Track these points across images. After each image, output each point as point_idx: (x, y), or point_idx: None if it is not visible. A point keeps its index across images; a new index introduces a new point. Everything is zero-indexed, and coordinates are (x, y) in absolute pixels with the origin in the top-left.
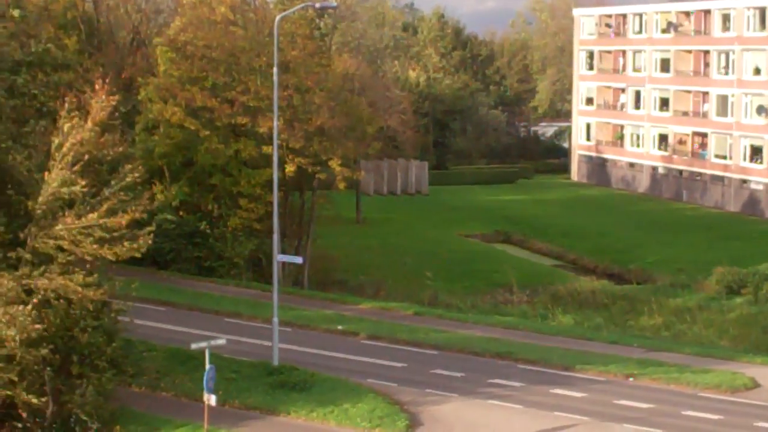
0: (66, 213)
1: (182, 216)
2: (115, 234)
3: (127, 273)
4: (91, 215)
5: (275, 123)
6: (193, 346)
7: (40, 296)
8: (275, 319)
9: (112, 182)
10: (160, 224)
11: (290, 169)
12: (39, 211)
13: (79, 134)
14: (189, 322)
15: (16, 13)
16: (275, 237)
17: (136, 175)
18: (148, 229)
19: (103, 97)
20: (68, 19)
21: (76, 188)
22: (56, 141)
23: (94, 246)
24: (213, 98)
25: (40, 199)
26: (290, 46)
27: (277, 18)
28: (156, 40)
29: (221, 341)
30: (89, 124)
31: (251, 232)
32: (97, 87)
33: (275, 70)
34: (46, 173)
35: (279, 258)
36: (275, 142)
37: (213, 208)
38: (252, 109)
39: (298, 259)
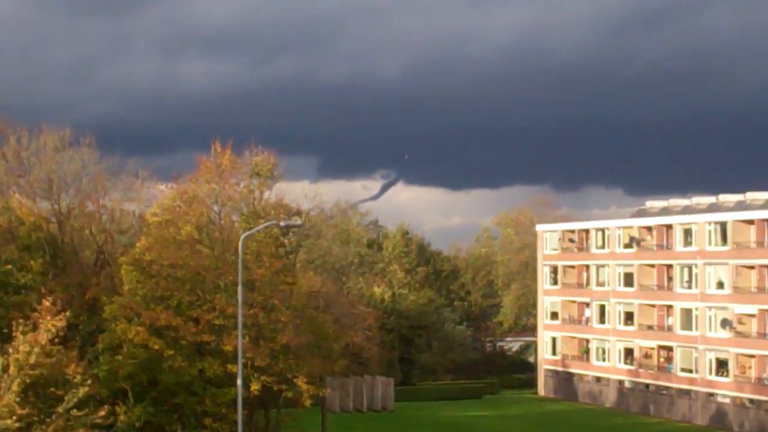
0: None
1: None
2: None
3: None
4: None
5: (240, 341)
6: None
7: None
8: None
9: (66, 399)
10: None
11: (255, 387)
12: None
13: (28, 355)
14: None
15: None
16: None
17: (87, 389)
18: None
19: (48, 318)
20: (33, 240)
21: (9, 422)
22: (4, 363)
23: None
24: (178, 317)
25: None
26: (256, 264)
27: (242, 237)
28: (121, 259)
29: None
30: (37, 346)
31: None
32: (44, 308)
33: (240, 288)
34: None
35: None
36: (240, 360)
37: (177, 428)
38: (217, 328)
39: None
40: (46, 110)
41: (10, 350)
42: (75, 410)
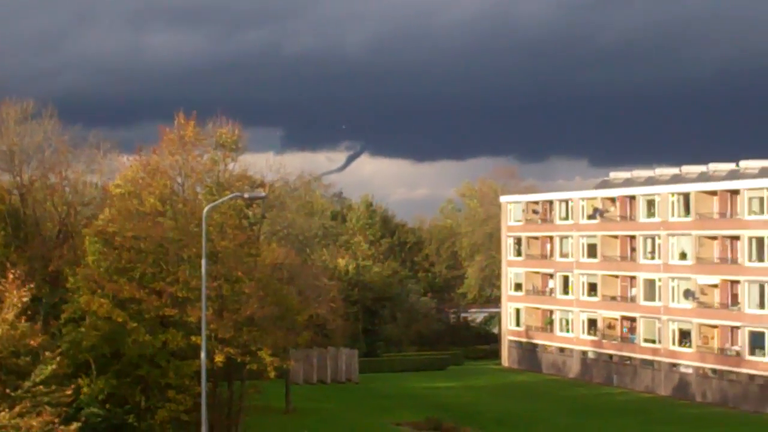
0: None
1: (109, 409)
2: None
3: None
4: (2, 414)
5: (203, 313)
6: None
7: None
8: None
9: (33, 374)
10: (87, 418)
11: (219, 359)
12: None
13: None
14: None
15: None
16: (204, 429)
17: (53, 366)
18: (75, 424)
19: (15, 292)
20: None
21: None
22: None
23: None
24: (141, 289)
25: None
26: (219, 236)
27: (206, 209)
28: (84, 230)
29: None
30: (1, 319)
31: (179, 425)
32: (9, 280)
33: (204, 260)
34: None
35: None
36: (204, 332)
37: (141, 400)
38: (181, 300)
39: None
40: (8, 83)
41: None
42: (41, 386)
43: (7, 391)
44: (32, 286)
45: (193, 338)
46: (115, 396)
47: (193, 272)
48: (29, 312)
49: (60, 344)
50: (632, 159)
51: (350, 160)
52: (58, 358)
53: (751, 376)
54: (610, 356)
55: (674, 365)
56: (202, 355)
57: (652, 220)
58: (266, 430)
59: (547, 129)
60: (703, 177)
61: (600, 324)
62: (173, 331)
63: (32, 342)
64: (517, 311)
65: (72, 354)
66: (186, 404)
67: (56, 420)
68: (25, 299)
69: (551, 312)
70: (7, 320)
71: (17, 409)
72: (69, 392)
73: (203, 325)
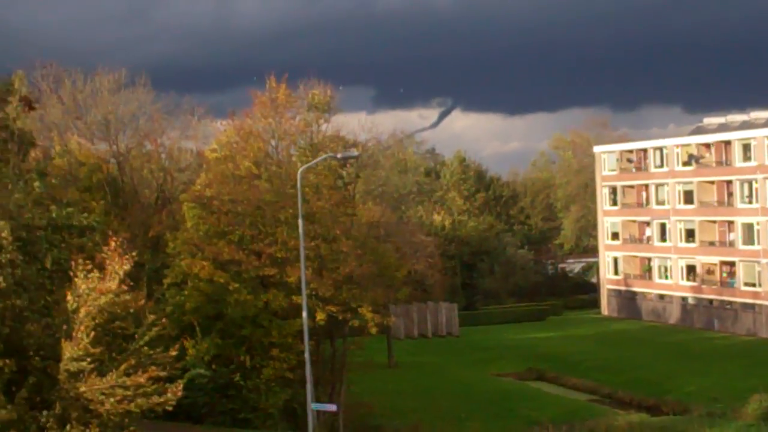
0: (87, 375)
1: (215, 369)
2: (140, 390)
3: (161, 428)
4: (109, 376)
5: (303, 273)
6: None
7: None
8: None
9: (137, 335)
10: (193, 378)
11: (320, 317)
12: (61, 376)
13: (96, 300)
14: None
15: (37, 184)
16: (309, 386)
17: (157, 327)
18: (179, 382)
19: (117, 259)
20: (93, 182)
21: (84, 363)
22: (73, 305)
23: (119, 404)
24: (240, 251)
25: (61, 365)
26: (315, 196)
27: (301, 170)
28: (182, 196)
29: None
30: (105, 288)
31: (285, 382)
32: (111, 248)
33: (300, 221)
34: (63, 341)
35: (313, 407)
36: (304, 291)
37: (246, 359)
38: (280, 260)
39: (333, 407)
40: (101, 52)
41: (79, 292)
42: (145, 348)
43: (114, 354)
44: (134, 253)
45: (294, 298)
46: (220, 356)
47: (290, 233)
48: (132, 278)
49: (164, 307)
50: (726, 104)
51: (442, 116)
52: (163, 320)
53: None
54: (710, 301)
55: None
56: (304, 314)
57: (748, 164)
58: (370, 385)
59: (639, 77)
60: None
61: (699, 270)
62: (274, 291)
63: (136, 306)
64: (615, 260)
65: (176, 317)
66: (290, 362)
67: (162, 375)
68: (126, 267)
69: (649, 260)
70: (111, 289)
71: (123, 367)
72: (174, 353)
73: (303, 285)
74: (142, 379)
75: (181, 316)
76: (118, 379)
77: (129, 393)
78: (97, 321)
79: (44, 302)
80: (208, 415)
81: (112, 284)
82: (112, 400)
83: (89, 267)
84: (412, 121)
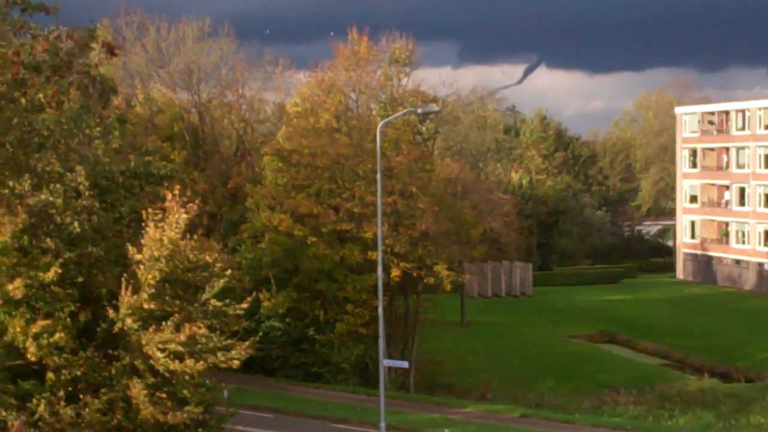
0: (152, 328)
1: (289, 323)
2: (199, 346)
3: (235, 380)
4: (167, 330)
5: (379, 228)
6: None
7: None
8: (382, 424)
9: (206, 289)
10: (268, 331)
11: (395, 273)
12: (127, 328)
13: (157, 251)
14: (297, 428)
15: (116, 132)
16: (381, 342)
17: (225, 279)
18: (252, 339)
19: (175, 209)
20: (174, 131)
21: (140, 315)
22: (137, 255)
23: (177, 360)
24: (318, 205)
25: (120, 316)
26: (394, 151)
27: (380, 124)
28: (262, 149)
29: None
30: (166, 238)
31: (357, 338)
32: (168, 202)
33: (378, 176)
34: (124, 292)
35: (385, 363)
36: (380, 247)
37: (319, 313)
38: (357, 215)
39: (404, 364)
40: (185, 1)
41: (143, 242)
42: (213, 300)
43: (183, 306)
44: (197, 202)
45: (370, 253)
46: (294, 310)
47: (368, 188)
48: (209, 229)
49: (239, 259)
50: None
51: (527, 72)
52: (228, 272)
53: None
54: None
55: None
56: (379, 269)
57: None
58: (442, 343)
59: (727, 37)
60: None
61: None
62: (350, 246)
63: (207, 257)
64: (692, 223)
65: (253, 270)
66: (363, 318)
67: (233, 329)
68: (185, 216)
69: (727, 224)
70: (171, 239)
71: (176, 319)
72: (244, 305)
73: (379, 240)
74: (201, 331)
75: (257, 269)
76: (170, 333)
77: (184, 349)
78: (159, 272)
79: (120, 251)
80: (280, 368)
81: (171, 234)
82: (164, 354)
83: (159, 217)
84: (495, 77)
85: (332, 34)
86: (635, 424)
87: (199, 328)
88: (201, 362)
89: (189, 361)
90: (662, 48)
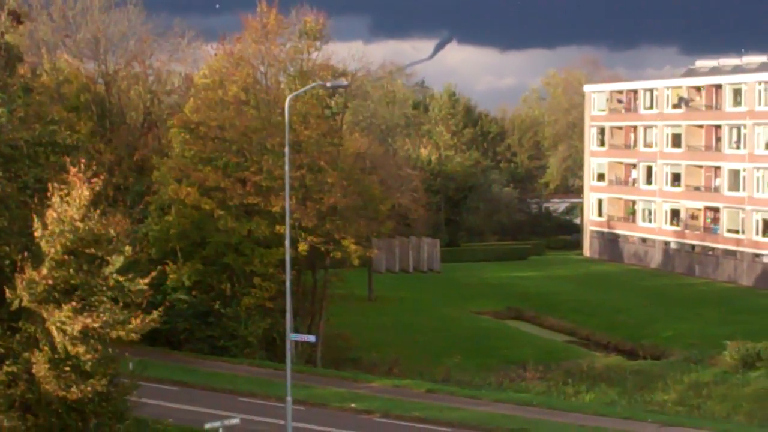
0: (53, 305)
1: (195, 295)
2: (101, 323)
3: (140, 353)
4: (66, 310)
5: (287, 202)
6: (207, 425)
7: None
8: (288, 398)
9: (111, 261)
10: (174, 304)
11: (303, 248)
12: (25, 301)
13: (58, 226)
14: (203, 401)
15: (21, 102)
16: (288, 316)
17: (127, 254)
18: (155, 312)
19: (78, 185)
20: (80, 101)
21: (41, 288)
22: (39, 231)
23: (78, 336)
24: (226, 178)
25: (18, 290)
26: (302, 125)
27: (289, 98)
28: (169, 121)
29: (235, 421)
30: (68, 215)
31: (264, 311)
32: (71, 175)
33: (287, 149)
34: (26, 267)
35: (292, 337)
36: (287, 221)
37: (226, 287)
38: (265, 189)
39: (311, 338)
40: None
41: (48, 214)
42: (115, 275)
43: (86, 279)
44: (102, 176)
45: (278, 227)
46: (201, 283)
47: (276, 161)
48: (115, 200)
49: (147, 231)
50: (722, 47)
51: (438, 48)
52: (128, 248)
53: None
54: (693, 247)
55: (757, 255)
56: (287, 243)
57: (738, 109)
58: (350, 318)
59: (639, 15)
60: None
61: (683, 214)
62: (258, 220)
63: (111, 230)
64: (600, 201)
65: (160, 242)
66: (271, 291)
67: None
68: (87, 193)
69: (634, 202)
70: (72, 216)
71: (73, 302)
72: (146, 281)
73: (287, 214)
74: (91, 322)
75: (164, 241)
76: (69, 314)
77: (81, 336)
78: (62, 247)
79: (25, 222)
80: (186, 342)
81: (73, 212)
82: (61, 336)
83: (64, 191)
84: (407, 52)
85: (217, 6)
86: (541, 401)
87: (99, 307)
88: (97, 348)
89: (81, 349)
90: (574, 25)
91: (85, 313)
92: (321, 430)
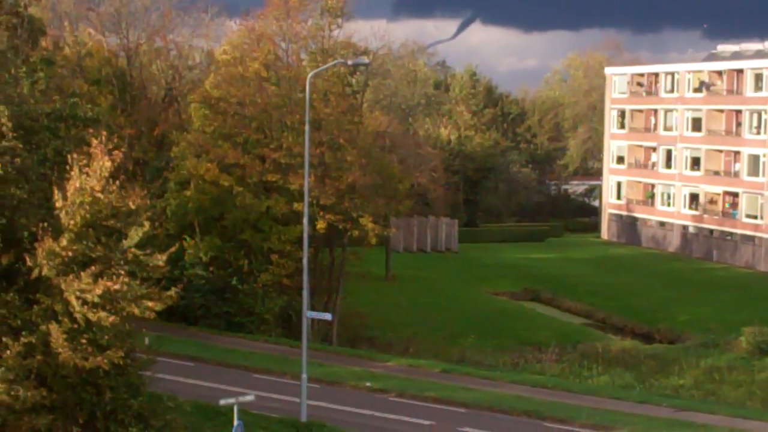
0: (71, 276)
1: (213, 271)
2: (120, 294)
3: (156, 328)
4: (85, 278)
5: (306, 180)
6: (222, 401)
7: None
8: (304, 376)
9: (129, 235)
10: (191, 279)
11: (321, 225)
12: (44, 273)
13: (78, 198)
14: (218, 377)
15: (42, 74)
16: (305, 293)
17: (146, 228)
18: (173, 289)
19: (99, 156)
20: (102, 75)
21: (59, 260)
22: (59, 203)
23: (95, 309)
24: (245, 155)
25: (38, 260)
26: (323, 103)
27: (310, 75)
28: (189, 97)
29: (250, 397)
30: (88, 186)
31: (281, 288)
32: (92, 148)
33: (307, 127)
34: (46, 238)
35: (308, 314)
36: (306, 198)
37: (243, 263)
38: (284, 166)
39: (328, 316)
40: None
41: (69, 184)
42: (133, 249)
43: (105, 252)
44: (122, 149)
45: (296, 204)
46: (218, 259)
47: (296, 139)
48: (134, 174)
49: (163, 205)
50: (747, 31)
51: (461, 28)
52: (147, 223)
53: None
54: (711, 231)
55: None
56: (304, 220)
57: (759, 94)
58: (366, 296)
59: None
60: None
61: (702, 199)
62: (276, 197)
63: (131, 203)
64: (619, 184)
65: (177, 217)
66: (288, 269)
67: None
68: (108, 164)
69: (653, 186)
70: (93, 187)
71: (94, 269)
72: (164, 256)
73: (306, 192)
74: (118, 284)
75: (183, 216)
76: (88, 282)
77: (101, 301)
78: (81, 218)
79: (44, 194)
80: (203, 317)
81: (93, 182)
82: (80, 303)
83: (83, 162)
84: (429, 31)
85: None
86: (556, 383)
87: (118, 278)
88: (116, 316)
89: (102, 314)
90: (598, 8)
91: (104, 278)
92: (336, 408)
